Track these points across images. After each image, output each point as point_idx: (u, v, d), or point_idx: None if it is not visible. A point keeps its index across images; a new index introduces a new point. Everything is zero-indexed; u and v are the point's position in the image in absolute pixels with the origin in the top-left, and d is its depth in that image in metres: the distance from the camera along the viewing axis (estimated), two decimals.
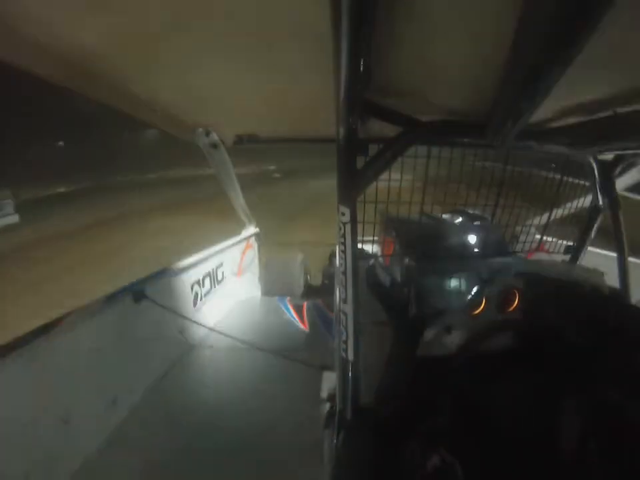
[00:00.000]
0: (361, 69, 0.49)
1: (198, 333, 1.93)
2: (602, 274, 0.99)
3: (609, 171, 1.19)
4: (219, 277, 2.30)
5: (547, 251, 1.58)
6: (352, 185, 0.69)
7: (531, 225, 1.84)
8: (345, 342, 0.75)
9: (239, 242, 2.62)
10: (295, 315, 2.34)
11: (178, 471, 1.22)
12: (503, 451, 0.54)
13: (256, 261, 2.82)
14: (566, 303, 0.79)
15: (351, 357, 0.75)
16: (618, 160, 1.17)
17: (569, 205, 1.47)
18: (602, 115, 0.72)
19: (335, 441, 0.80)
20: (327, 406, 1.13)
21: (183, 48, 0.61)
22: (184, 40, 0.58)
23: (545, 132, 0.75)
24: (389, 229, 1.49)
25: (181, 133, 1.53)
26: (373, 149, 0.76)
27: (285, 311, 2.41)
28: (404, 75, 0.65)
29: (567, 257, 1.42)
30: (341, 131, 0.66)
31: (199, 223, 7.89)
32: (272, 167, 21.16)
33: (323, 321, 2.22)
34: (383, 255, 1.56)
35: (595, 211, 1.29)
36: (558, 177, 1.31)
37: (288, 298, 2.59)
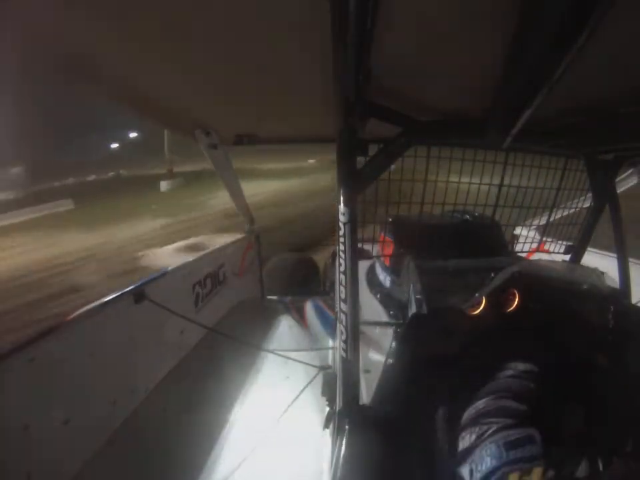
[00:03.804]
0: (361, 69, 0.49)
1: (199, 333, 1.93)
2: (602, 274, 0.99)
3: (609, 171, 1.19)
4: (220, 278, 2.30)
5: (547, 251, 1.58)
6: (352, 185, 0.69)
7: (531, 225, 1.85)
8: (345, 342, 0.75)
9: (240, 242, 2.62)
10: (295, 315, 2.34)
11: (179, 472, 1.22)
12: None
13: (257, 260, 2.82)
14: (566, 303, 0.79)
15: (350, 356, 0.75)
16: (618, 160, 1.17)
17: (569, 204, 1.47)
18: (602, 115, 0.72)
19: (335, 440, 0.80)
20: (327, 406, 1.13)
21: (183, 48, 0.61)
22: (184, 40, 0.58)
23: (545, 132, 0.75)
24: (388, 228, 1.49)
25: (180, 133, 1.53)
26: (373, 149, 0.76)
27: (286, 310, 2.41)
28: (404, 74, 0.65)
29: (567, 257, 1.42)
30: (341, 131, 0.66)
31: None
32: None
33: (323, 320, 2.22)
34: (382, 255, 1.56)
35: (595, 211, 1.29)
36: (558, 176, 1.31)
37: (289, 298, 2.59)
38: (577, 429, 0.57)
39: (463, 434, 0.54)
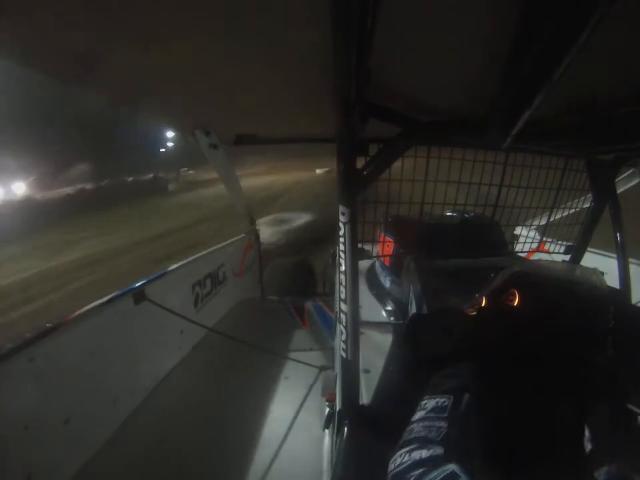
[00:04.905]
0: (361, 69, 0.49)
1: (199, 333, 1.93)
2: (602, 274, 0.99)
3: (609, 171, 1.19)
4: (220, 278, 2.30)
5: (547, 251, 1.58)
6: (352, 185, 0.69)
7: (531, 225, 1.85)
8: (345, 342, 0.75)
9: (240, 242, 2.62)
10: (295, 315, 2.34)
11: (179, 472, 1.22)
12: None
13: (257, 261, 2.82)
14: (566, 302, 0.79)
15: (350, 356, 0.75)
16: (618, 160, 1.17)
17: (569, 204, 1.47)
18: (602, 115, 0.72)
19: (335, 440, 0.80)
20: (327, 406, 1.13)
21: (183, 48, 0.61)
22: (184, 40, 0.58)
23: (545, 132, 0.75)
24: (388, 228, 1.49)
25: (180, 133, 1.53)
26: (373, 149, 0.76)
27: (286, 311, 2.41)
28: (404, 74, 0.65)
29: (567, 257, 1.42)
30: (341, 131, 0.66)
31: None
32: None
33: (323, 320, 2.22)
34: (383, 255, 1.56)
35: (595, 211, 1.29)
36: (558, 177, 1.31)
37: (288, 298, 2.59)
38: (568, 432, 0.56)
39: None
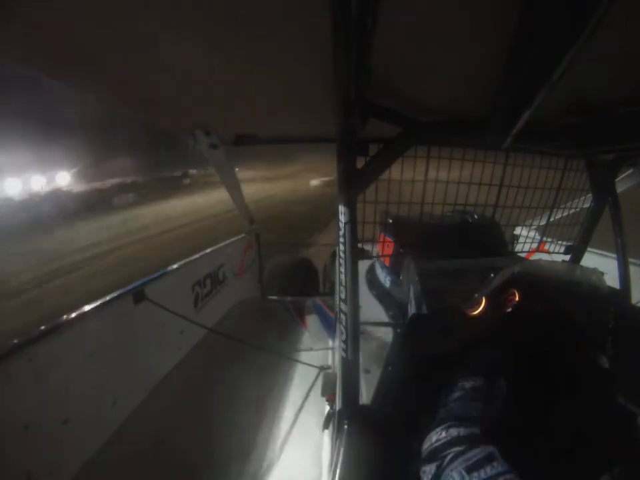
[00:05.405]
0: (361, 69, 0.49)
1: (199, 333, 1.93)
2: (602, 274, 0.99)
3: (609, 171, 1.19)
4: (220, 278, 2.30)
5: (547, 251, 1.58)
6: (352, 184, 0.69)
7: (531, 225, 1.84)
8: (345, 342, 0.75)
9: (240, 242, 2.62)
10: (295, 315, 2.34)
11: (179, 472, 1.22)
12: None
13: (257, 261, 2.82)
14: (566, 303, 0.79)
15: (350, 356, 0.75)
16: (618, 160, 1.17)
17: (569, 204, 1.47)
18: (602, 115, 0.72)
19: (335, 440, 0.80)
20: (327, 406, 1.13)
21: (184, 48, 0.61)
22: (184, 40, 0.58)
23: (545, 132, 0.75)
24: (388, 228, 1.49)
25: (180, 133, 1.53)
26: (373, 149, 0.76)
27: (286, 310, 2.41)
28: (404, 74, 0.65)
29: (567, 257, 1.42)
30: (341, 131, 0.66)
31: None
32: None
33: (323, 320, 2.22)
34: (383, 255, 1.56)
35: (595, 211, 1.29)
36: (558, 177, 1.31)
37: (289, 298, 2.59)
38: (567, 432, 0.56)
39: (424, 468, 0.53)
